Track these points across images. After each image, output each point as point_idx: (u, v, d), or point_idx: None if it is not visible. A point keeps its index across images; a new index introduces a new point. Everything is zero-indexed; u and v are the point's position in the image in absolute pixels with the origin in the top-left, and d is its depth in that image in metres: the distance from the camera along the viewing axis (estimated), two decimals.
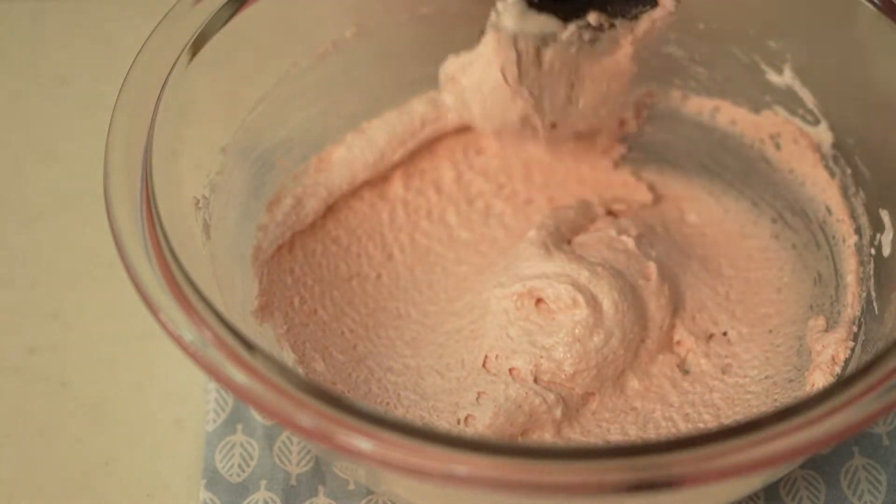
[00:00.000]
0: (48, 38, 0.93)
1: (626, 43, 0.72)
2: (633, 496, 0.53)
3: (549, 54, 0.71)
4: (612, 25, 0.71)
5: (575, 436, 0.67)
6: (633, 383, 0.69)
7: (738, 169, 0.78)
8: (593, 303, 0.68)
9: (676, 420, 0.68)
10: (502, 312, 0.69)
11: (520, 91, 0.72)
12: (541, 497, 0.54)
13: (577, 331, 0.67)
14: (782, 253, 0.76)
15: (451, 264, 0.75)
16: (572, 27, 0.70)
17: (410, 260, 0.75)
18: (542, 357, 0.67)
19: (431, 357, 0.70)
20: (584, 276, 0.68)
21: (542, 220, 0.73)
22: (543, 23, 0.70)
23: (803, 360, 0.69)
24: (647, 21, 0.72)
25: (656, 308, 0.70)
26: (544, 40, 0.70)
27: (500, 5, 0.70)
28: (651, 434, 0.67)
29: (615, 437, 0.67)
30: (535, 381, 0.67)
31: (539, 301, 0.69)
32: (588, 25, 0.70)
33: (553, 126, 0.74)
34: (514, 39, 0.70)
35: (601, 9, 0.71)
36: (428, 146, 0.79)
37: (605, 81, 0.73)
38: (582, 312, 0.67)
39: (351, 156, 0.75)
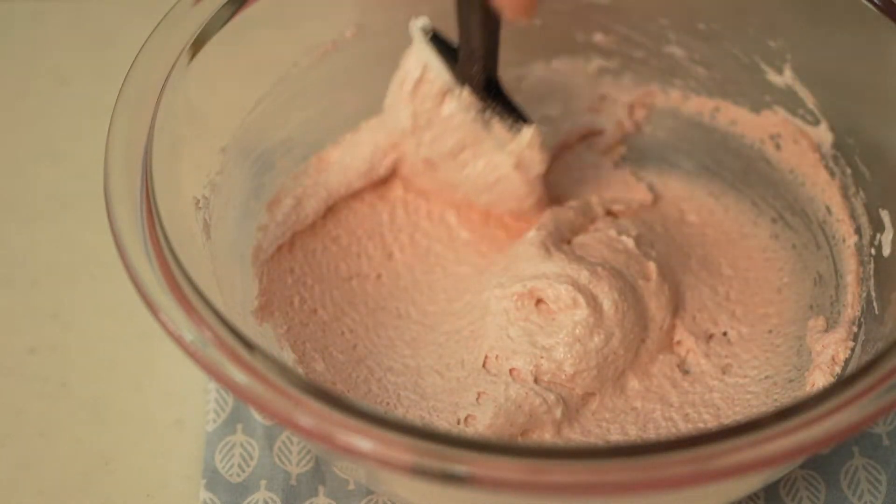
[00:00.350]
0: (48, 38, 0.93)
1: (507, 150, 0.72)
2: (634, 496, 0.53)
3: (450, 104, 0.70)
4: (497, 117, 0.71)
5: (575, 436, 0.67)
6: (634, 383, 0.69)
7: (738, 169, 0.78)
8: (594, 303, 0.68)
9: (676, 420, 0.68)
10: (502, 313, 0.69)
11: (407, 106, 0.71)
12: (541, 497, 0.54)
13: (577, 331, 0.67)
14: (782, 253, 0.76)
15: (451, 264, 0.75)
16: (464, 92, 0.70)
17: (410, 260, 0.75)
18: (542, 357, 0.67)
19: (431, 357, 0.70)
20: (584, 276, 0.68)
21: (542, 220, 0.73)
22: (439, 69, 0.70)
23: (803, 360, 0.69)
24: (519, 144, 0.71)
25: (656, 308, 0.70)
26: (448, 87, 0.70)
27: (411, 22, 0.70)
28: (651, 434, 0.67)
29: (615, 437, 0.67)
30: (536, 381, 0.67)
31: (539, 301, 0.69)
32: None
33: (429, 163, 0.74)
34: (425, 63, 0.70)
35: (475, 90, 0.70)
36: None
37: (493, 173, 0.73)
38: (582, 313, 0.67)
39: (345, 163, 0.75)
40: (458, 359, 0.69)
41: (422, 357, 0.70)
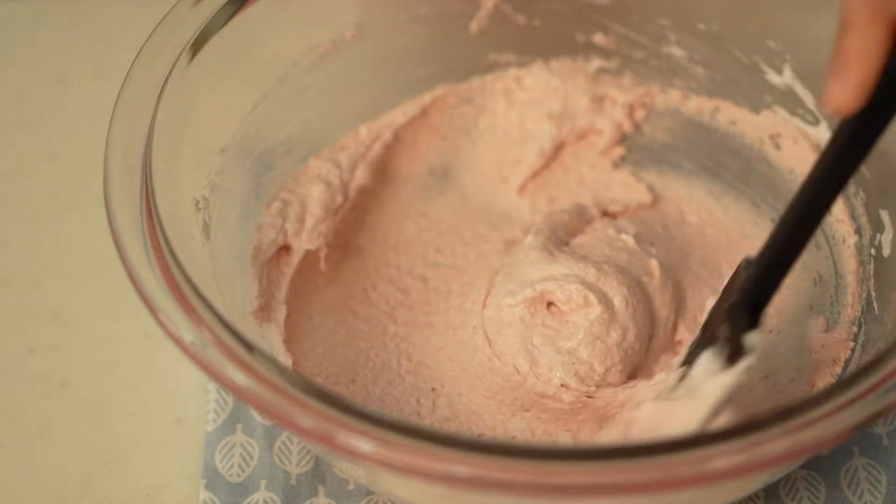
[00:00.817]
0: (48, 38, 0.93)
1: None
2: (634, 497, 0.53)
3: None
4: None
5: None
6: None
7: (738, 169, 0.78)
8: (605, 300, 0.67)
9: None
10: (518, 321, 0.68)
11: None
12: (541, 497, 0.54)
13: (594, 329, 0.67)
14: None
15: (458, 269, 0.75)
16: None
17: (412, 263, 0.75)
18: (572, 363, 0.67)
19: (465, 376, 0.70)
20: (591, 274, 0.68)
21: (538, 224, 0.73)
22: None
23: (803, 361, 0.69)
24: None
25: (661, 304, 0.70)
26: None
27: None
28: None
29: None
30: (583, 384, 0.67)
31: (550, 304, 0.69)
32: None
33: None
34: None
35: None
36: None
37: None
38: (595, 310, 0.67)
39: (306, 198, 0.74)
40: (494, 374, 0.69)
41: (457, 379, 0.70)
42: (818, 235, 0.74)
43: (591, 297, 0.67)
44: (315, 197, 0.73)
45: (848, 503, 0.67)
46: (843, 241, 0.72)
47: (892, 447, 0.69)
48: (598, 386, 0.67)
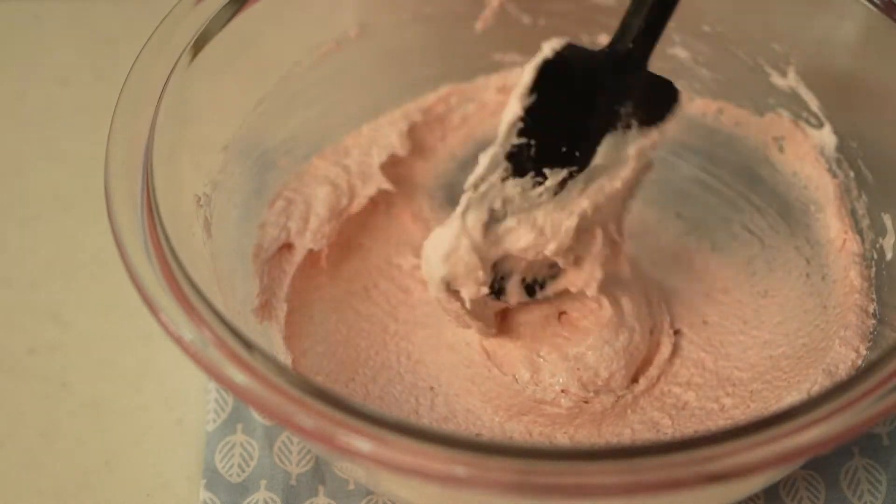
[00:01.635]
0: (48, 38, 0.93)
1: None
2: (634, 497, 0.53)
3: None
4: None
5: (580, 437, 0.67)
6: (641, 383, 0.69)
7: (740, 170, 0.78)
8: (616, 302, 0.67)
9: (671, 418, 0.68)
10: (528, 338, 0.68)
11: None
12: (541, 498, 0.53)
13: (604, 333, 0.67)
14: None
15: None
16: None
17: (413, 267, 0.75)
18: (577, 369, 0.66)
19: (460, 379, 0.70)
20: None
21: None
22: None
23: (803, 363, 0.69)
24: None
25: (645, 281, 0.71)
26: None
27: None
28: (649, 434, 0.67)
29: (615, 438, 0.67)
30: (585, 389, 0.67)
31: (562, 314, 0.68)
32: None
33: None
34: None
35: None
36: None
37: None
38: (607, 313, 0.67)
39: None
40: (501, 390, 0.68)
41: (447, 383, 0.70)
42: (819, 238, 0.74)
43: (604, 300, 0.67)
44: (321, 198, 0.73)
45: (848, 503, 0.67)
46: (845, 244, 0.72)
47: (892, 447, 0.69)
48: (597, 392, 0.67)
